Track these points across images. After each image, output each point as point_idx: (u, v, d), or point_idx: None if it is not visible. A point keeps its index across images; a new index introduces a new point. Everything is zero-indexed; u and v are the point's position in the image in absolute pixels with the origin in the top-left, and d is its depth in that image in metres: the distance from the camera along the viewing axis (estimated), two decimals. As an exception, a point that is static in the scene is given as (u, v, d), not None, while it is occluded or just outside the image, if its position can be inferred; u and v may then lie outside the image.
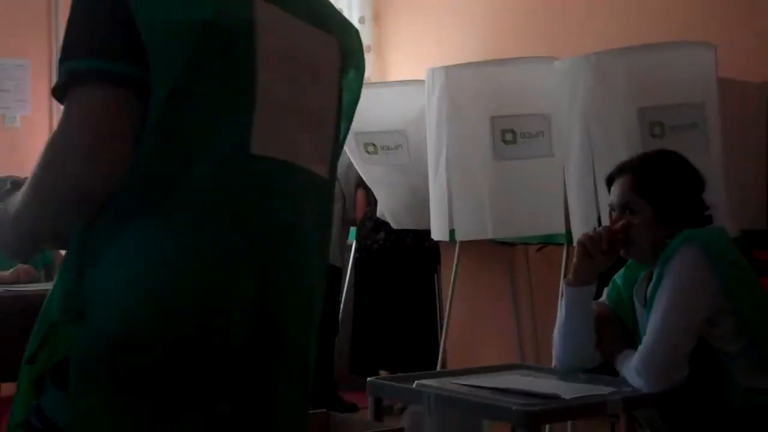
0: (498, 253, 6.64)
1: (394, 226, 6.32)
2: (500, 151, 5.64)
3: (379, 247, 6.43)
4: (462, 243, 5.99)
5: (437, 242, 6.38)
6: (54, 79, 6.19)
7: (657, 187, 2.99)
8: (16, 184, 5.34)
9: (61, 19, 6.57)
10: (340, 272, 6.63)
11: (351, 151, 6.36)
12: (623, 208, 3.00)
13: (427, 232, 6.12)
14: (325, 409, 3.17)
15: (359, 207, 6.83)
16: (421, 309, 6.49)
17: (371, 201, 6.42)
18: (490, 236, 5.79)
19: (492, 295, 6.82)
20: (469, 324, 6.88)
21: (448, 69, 5.80)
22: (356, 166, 6.37)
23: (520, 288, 6.63)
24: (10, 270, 4.90)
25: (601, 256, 2.97)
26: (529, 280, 6.56)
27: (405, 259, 6.40)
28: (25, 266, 4.90)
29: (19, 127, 6.46)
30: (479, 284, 6.84)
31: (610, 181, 3.08)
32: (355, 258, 6.64)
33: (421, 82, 6.04)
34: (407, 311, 6.39)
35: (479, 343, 6.87)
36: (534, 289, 6.53)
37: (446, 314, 6.21)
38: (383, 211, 6.33)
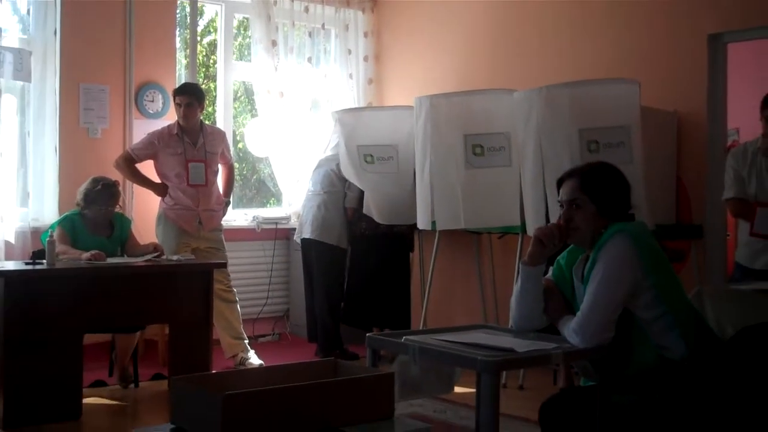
0: (468, 239, 6.63)
1: (379, 220, 6.29)
2: (471, 161, 5.64)
3: (361, 233, 6.44)
4: (440, 231, 5.99)
5: (404, 229, 6.42)
6: (127, 101, 6.20)
7: (599, 187, 2.98)
8: (108, 185, 5.28)
9: (133, 55, 6.55)
10: (345, 252, 6.59)
11: (353, 159, 6.33)
12: (571, 203, 2.99)
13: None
14: (333, 358, 3.16)
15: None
16: (397, 280, 6.51)
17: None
18: (462, 226, 5.78)
19: (463, 271, 6.81)
20: (445, 293, 6.87)
21: (431, 97, 5.80)
22: (355, 172, 6.33)
23: (485, 266, 6.62)
24: (90, 252, 4.93)
25: (551, 245, 2.97)
26: (492, 260, 6.55)
27: (382, 242, 6.42)
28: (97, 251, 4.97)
29: (100, 138, 6.41)
30: (453, 263, 6.84)
31: (559, 183, 3.07)
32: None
33: (410, 107, 6.04)
34: (386, 281, 6.42)
35: (452, 308, 6.87)
36: (495, 267, 6.52)
37: (428, 286, 6.21)
38: (370, 208, 6.29)
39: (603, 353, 2.82)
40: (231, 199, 6.39)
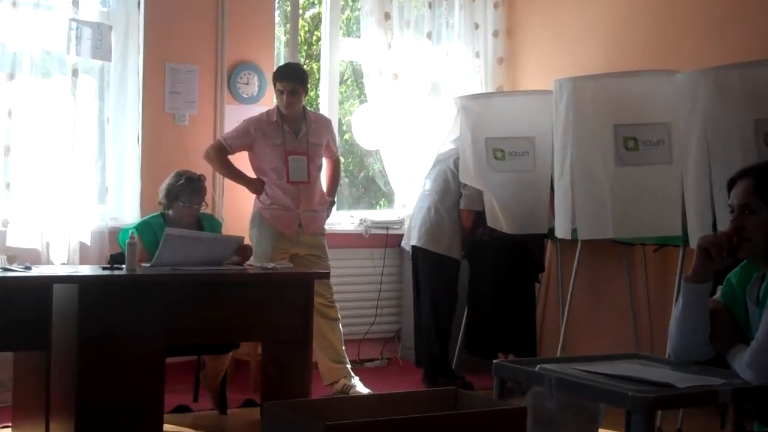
0: (616, 252, 6.55)
1: (508, 231, 6.27)
2: (622, 157, 5.57)
3: (477, 239, 6.46)
4: (583, 241, 5.93)
5: (527, 236, 6.41)
6: (219, 84, 6.31)
7: None
8: (192, 179, 5.40)
9: (226, 31, 6.70)
10: (457, 264, 6.59)
11: (478, 156, 6.32)
12: (743, 208, 2.92)
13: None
14: (454, 387, 3.16)
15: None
16: (521, 297, 6.48)
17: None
18: (611, 236, 5.72)
19: (610, 290, 6.73)
20: (588, 316, 6.80)
21: (575, 80, 5.76)
22: (478, 172, 6.33)
23: (637, 284, 6.53)
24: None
25: (720, 257, 2.90)
26: (646, 277, 6.45)
27: (502, 250, 6.39)
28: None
29: (187, 125, 6.59)
30: (598, 280, 6.76)
31: (731, 184, 3.00)
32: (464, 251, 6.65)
33: (550, 92, 6.01)
34: (509, 299, 6.40)
35: (596, 333, 6.79)
36: (650, 286, 6.42)
37: (567, 305, 6.16)
38: (498, 218, 6.28)
39: (783, 392, 2.75)
40: (336, 199, 6.47)
